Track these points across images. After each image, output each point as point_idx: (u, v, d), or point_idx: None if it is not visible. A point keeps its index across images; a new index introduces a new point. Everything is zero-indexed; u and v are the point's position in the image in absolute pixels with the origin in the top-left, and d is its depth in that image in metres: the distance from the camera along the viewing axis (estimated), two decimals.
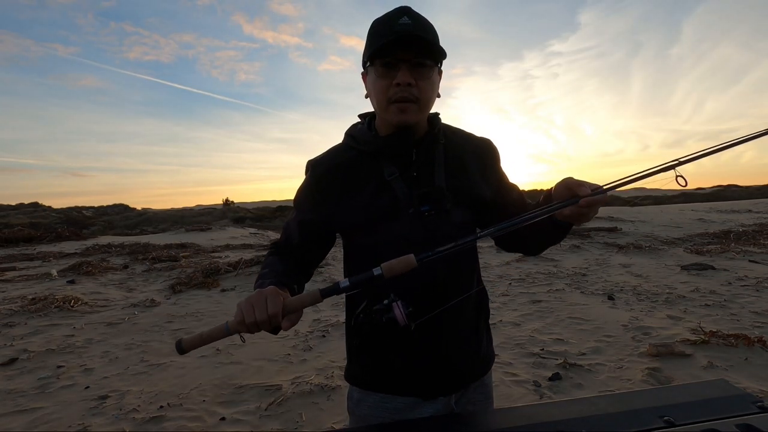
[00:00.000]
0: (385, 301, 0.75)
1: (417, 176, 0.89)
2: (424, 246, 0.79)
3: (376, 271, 0.71)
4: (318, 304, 4.24)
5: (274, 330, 0.74)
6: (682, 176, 0.68)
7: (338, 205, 0.91)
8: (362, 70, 0.91)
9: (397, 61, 0.82)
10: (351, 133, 0.97)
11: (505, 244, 1.01)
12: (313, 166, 0.96)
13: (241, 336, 0.73)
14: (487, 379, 1.01)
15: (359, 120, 1.01)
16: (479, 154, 0.97)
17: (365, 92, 0.91)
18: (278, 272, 0.88)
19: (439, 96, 0.90)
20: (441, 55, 0.85)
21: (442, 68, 0.90)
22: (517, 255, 4.01)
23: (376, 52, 0.82)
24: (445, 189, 0.89)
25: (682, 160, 0.69)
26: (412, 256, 0.71)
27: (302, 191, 0.98)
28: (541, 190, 0.82)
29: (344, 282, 0.72)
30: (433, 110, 0.93)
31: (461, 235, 0.86)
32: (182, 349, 0.73)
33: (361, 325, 0.76)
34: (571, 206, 0.73)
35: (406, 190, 0.88)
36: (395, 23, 0.81)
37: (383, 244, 0.87)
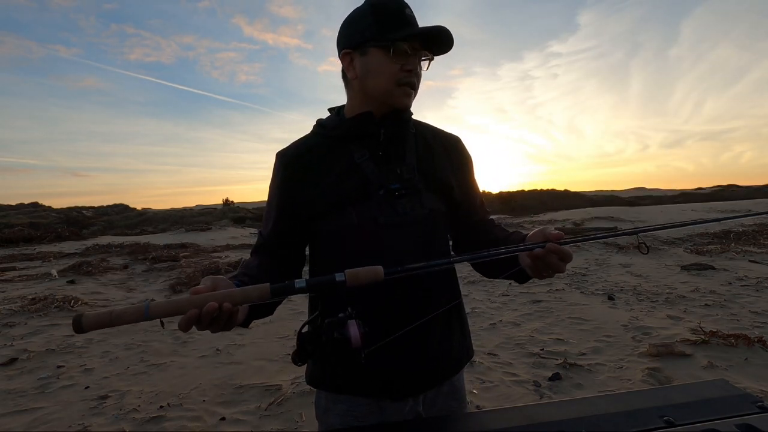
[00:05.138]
0: (341, 314, 0.66)
1: (385, 154, 0.89)
2: (395, 230, 0.79)
3: (339, 276, 0.64)
4: None
5: (223, 324, 0.63)
6: (644, 243, 0.76)
7: (306, 188, 0.89)
8: (347, 49, 0.89)
9: (414, 50, 0.86)
10: (320, 122, 0.97)
11: (467, 251, 0.99)
12: (281, 156, 0.94)
13: (161, 321, 0.61)
14: (457, 382, 0.98)
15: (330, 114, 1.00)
16: (448, 149, 0.98)
17: (350, 73, 0.89)
18: (249, 266, 0.85)
19: None
20: (449, 50, 0.88)
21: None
22: None
23: (406, 38, 0.84)
24: (415, 168, 0.89)
25: (643, 228, 0.78)
26: (380, 268, 0.65)
27: (272, 182, 0.95)
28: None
29: (300, 282, 0.63)
30: (421, 106, 0.97)
31: (432, 224, 0.88)
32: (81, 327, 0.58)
33: (306, 341, 0.65)
34: (530, 254, 0.74)
35: (376, 171, 0.87)
36: (402, 12, 0.85)
37: (352, 229, 0.85)
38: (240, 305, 0.64)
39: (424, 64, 0.90)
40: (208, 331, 0.64)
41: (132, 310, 0.59)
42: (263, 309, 0.82)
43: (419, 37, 0.85)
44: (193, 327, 0.62)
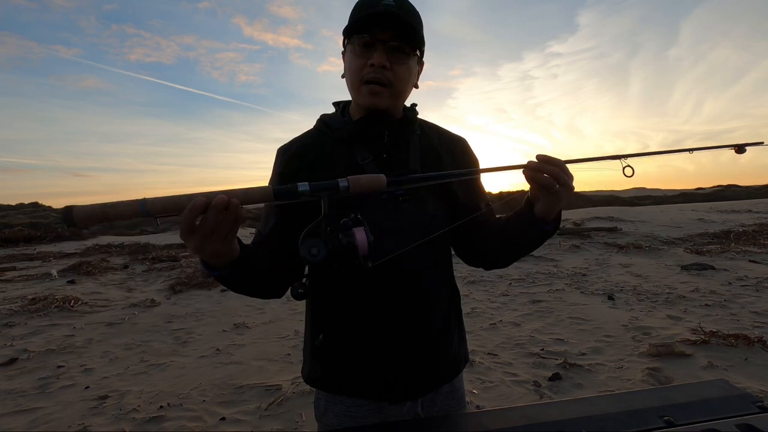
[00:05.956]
0: (344, 220, 0.63)
1: (388, 159, 0.87)
2: (397, 235, 0.77)
3: (342, 182, 0.60)
4: None
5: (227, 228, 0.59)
6: (630, 166, 0.75)
7: None
8: (342, 49, 0.89)
9: (375, 41, 0.80)
10: (324, 119, 0.93)
11: (474, 252, 0.95)
12: (282, 152, 0.92)
13: (156, 219, 0.55)
14: (457, 383, 0.97)
15: (335, 109, 0.97)
16: (454, 151, 0.96)
17: (343, 72, 0.89)
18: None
19: (417, 87, 0.89)
20: (419, 40, 0.83)
21: (423, 60, 0.89)
22: None
23: (354, 28, 0.80)
24: (419, 173, 0.86)
25: (630, 154, 0.77)
26: (383, 176, 0.63)
27: (272, 179, 0.92)
28: None
29: (303, 185, 0.59)
30: (421, 106, 0.93)
31: (434, 227, 0.85)
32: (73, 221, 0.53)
33: (310, 245, 0.61)
34: (527, 172, 0.72)
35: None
36: (379, 2, 0.79)
37: None
38: (243, 205, 0.59)
39: (405, 59, 0.82)
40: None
41: (127, 204, 0.55)
42: (247, 281, 0.76)
43: (365, 21, 0.78)
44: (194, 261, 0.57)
